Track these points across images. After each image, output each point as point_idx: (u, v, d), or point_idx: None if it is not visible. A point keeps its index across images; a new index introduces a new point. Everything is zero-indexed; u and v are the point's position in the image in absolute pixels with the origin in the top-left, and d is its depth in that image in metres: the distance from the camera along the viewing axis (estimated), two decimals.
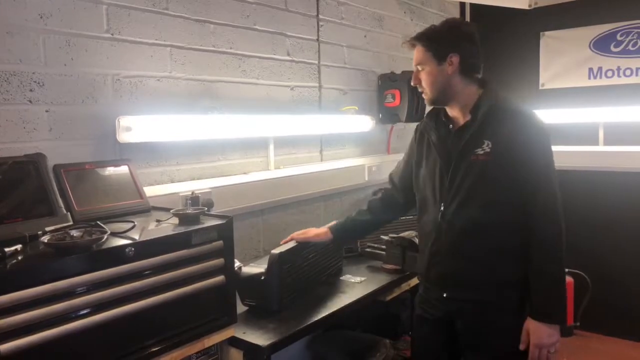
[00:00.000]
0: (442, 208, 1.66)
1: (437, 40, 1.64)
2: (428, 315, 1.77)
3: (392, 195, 1.96)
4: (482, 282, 1.64)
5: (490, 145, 1.59)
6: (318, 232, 1.96)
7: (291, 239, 1.95)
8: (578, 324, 3.51)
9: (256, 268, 1.79)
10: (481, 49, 1.68)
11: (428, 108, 1.83)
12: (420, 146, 1.82)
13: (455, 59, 1.63)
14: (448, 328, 1.72)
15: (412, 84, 1.73)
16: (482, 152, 1.60)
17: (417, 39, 1.68)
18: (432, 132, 1.75)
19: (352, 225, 1.97)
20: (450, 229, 1.65)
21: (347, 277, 2.16)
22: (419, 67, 1.68)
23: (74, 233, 1.23)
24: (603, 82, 3.46)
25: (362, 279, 2.14)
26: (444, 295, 1.70)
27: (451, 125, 1.72)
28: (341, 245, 2.02)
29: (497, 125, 1.60)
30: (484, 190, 1.61)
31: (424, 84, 1.68)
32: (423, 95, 1.72)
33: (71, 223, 1.37)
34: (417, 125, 1.89)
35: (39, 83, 1.60)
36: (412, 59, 1.71)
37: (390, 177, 1.99)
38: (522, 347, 1.61)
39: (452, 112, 1.71)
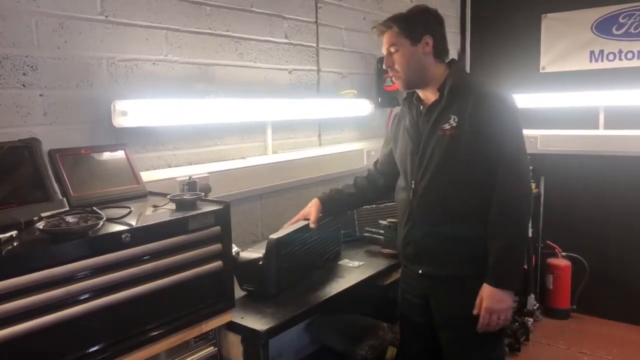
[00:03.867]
0: (412, 185, 1.73)
1: (412, 22, 1.69)
2: (409, 296, 1.85)
3: (374, 175, 2.05)
4: (454, 257, 1.69)
5: (456, 120, 1.64)
6: (310, 208, 1.96)
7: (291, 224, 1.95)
8: (575, 307, 3.54)
9: (254, 253, 1.79)
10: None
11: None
12: (396, 131, 1.89)
13: (429, 40, 1.69)
14: (427, 309, 1.77)
15: (384, 66, 1.74)
16: (448, 127, 1.65)
17: (392, 21, 1.70)
18: (406, 116, 1.82)
19: (338, 197, 2.01)
20: (421, 205, 1.71)
21: (345, 262, 2.16)
22: (392, 49, 1.71)
23: (70, 219, 1.22)
24: (604, 65, 3.42)
25: (360, 263, 2.15)
26: (420, 271, 1.77)
27: (422, 107, 1.77)
28: (328, 215, 2.04)
29: (462, 101, 1.65)
30: (451, 164, 1.66)
31: (397, 66, 1.72)
32: (395, 80, 1.76)
33: (67, 208, 1.36)
34: (396, 114, 1.97)
35: (32, 67, 1.58)
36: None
37: (377, 159, 2.09)
38: (475, 311, 1.63)
39: (425, 94, 1.76)
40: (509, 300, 1.61)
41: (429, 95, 1.75)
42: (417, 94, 1.80)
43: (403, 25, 1.68)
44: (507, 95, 1.68)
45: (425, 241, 1.72)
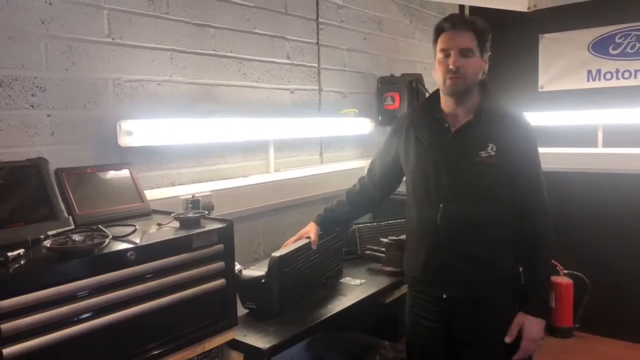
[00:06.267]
0: (440, 208, 1.66)
1: (487, 36, 1.67)
2: (424, 320, 1.77)
3: (368, 189, 1.97)
4: (482, 279, 1.67)
5: (494, 149, 1.62)
6: (308, 228, 1.99)
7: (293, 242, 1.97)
8: (577, 325, 3.51)
9: (256, 271, 1.80)
10: None
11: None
12: (407, 142, 1.78)
13: (487, 59, 1.69)
14: (444, 331, 1.73)
15: (453, 65, 1.59)
16: (486, 154, 1.62)
17: (473, 27, 1.64)
18: (423, 129, 1.72)
19: (333, 217, 2.02)
20: (450, 228, 1.66)
21: (347, 280, 2.17)
22: (468, 53, 1.61)
23: (76, 237, 1.24)
24: (602, 84, 3.47)
25: (362, 281, 2.15)
26: (444, 296, 1.71)
27: (447, 124, 1.69)
28: (327, 235, 2.07)
29: (500, 129, 1.64)
30: (487, 191, 1.64)
31: (468, 70, 1.61)
32: (454, 81, 1.61)
33: (73, 227, 1.39)
34: (400, 119, 1.88)
35: (40, 88, 1.61)
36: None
37: (371, 168, 1.97)
38: (509, 339, 1.64)
39: (455, 109, 1.68)
40: (543, 327, 1.65)
41: (459, 113, 1.67)
42: (437, 106, 1.72)
43: (481, 36, 1.65)
44: (531, 123, 1.70)
45: (453, 266, 1.67)
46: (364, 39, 3.03)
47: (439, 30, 1.66)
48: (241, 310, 1.72)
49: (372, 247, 2.39)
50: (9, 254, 1.13)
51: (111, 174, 1.67)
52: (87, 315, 1.17)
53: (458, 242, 1.66)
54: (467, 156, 1.63)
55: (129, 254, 1.25)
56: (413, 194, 1.77)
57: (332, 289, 2.06)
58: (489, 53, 1.70)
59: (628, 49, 3.37)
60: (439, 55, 1.65)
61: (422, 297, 1.78)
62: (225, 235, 1.50)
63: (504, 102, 1.73)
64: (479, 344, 1.69)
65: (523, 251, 1.66)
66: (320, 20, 2.69)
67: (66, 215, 1.42)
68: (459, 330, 1.71)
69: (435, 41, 1.67)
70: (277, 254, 1.80)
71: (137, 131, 1.78)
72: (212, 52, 2.14)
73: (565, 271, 3.52)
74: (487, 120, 1.64)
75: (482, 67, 1.67)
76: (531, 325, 1.62)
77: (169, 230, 1.46)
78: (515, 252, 1.68)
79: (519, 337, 1.65)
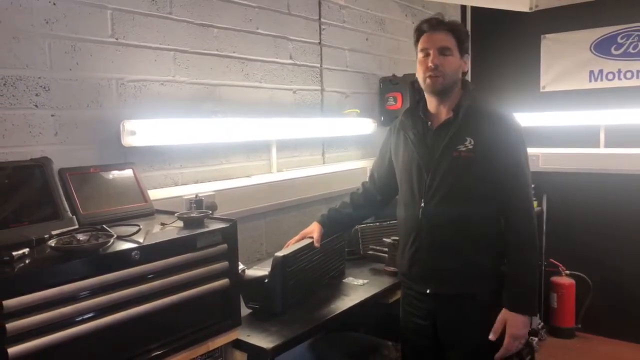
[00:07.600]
0: (422, 204, 1.70)
1: (465, 37, 1.72)
2: (414, 317, 1.80)
3: (370, 192, 2.02)
4: (464, 276, 1.68)
5: (472, 142, 1.64)
6: (311, 228, 2.00)
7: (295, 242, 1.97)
8: (580, 326, 3.51)
9: (260, 271, 1.80)
10: None
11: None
12: (397, 144, 1.85)
13: (467, 59, 1.74)
14: (433, 330, 1.75)
15: (432, 62, 1.65)
16: (464, 148, 1.65)
17: (451, 28, 1.69)
18: (410, 130, 1.78)
19: (336, 217, 2.03)
20: (432, 224, 1.69)
21: (350, 280, 2.17)
22: (447, 52, 1.67)
23: (80, 237, 1.24)
24: (604, 84, 3.47)
25: (365, 281, 2.15)
26: (427, 291, 1.74)
27: (429, 123, 1.75)
28: (330, 235, 2.07)
29: (478, 124, 1.66)
30: (466, 185, 1.66)
31: (446, 68, 1.66)
32: (433, 79, 1.66)
33: (77, 226, 1.38)
34: (392, 124, 1.95)
35: (44, 88, 1.62)
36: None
37: (372, 173, 2.05)
38: (493, 337, 1.64)
39: (438, 108, 1.74)
40: (528, 324, 1.65)
41: (441, 111, 1.73)
42: (423, 107, 1.78)
43: (458, 36, 1.69)
44: (518, 121, 1.71)
45: (435, 261, 1.70)
46: (366, 39, 3.03)
47: (419, 32, 1.73)
48: (244, 310, 1.73)
49: (374, 247, 2.40)
50: (14, 253, 1.13)
51: (114, 174, 1.68)
52: (91, 314, 1.17)
53: (439, 237, 1.69)
54: (445, 152, 1.67)
55: (133, 253, 1.25)
56: (401, 192, 1.83)
57: (335, 289, 2.06)
58: (468, 55, 1.75)
59: (630, 49, 3.37)
60: (420, 55, 1.72)
61: (411, 294, 1.82)
62: (229, 235, 1.50)
63: (487, 101, 1.77)
64: (463, 344, 1.71)
65: (506, 250, 1.65)
66: (322, 20, 2.69)
67: (70, 214, 1.42)
68: (444, 330, 1.73)
69: (416, 43, 1.74)
70: (280, 253, 1.80)
71: (141, 131, 1.78)
72: (215, 52, 2.14)
73: (568, 271, 3.53)
74: (466, 116, 1.67)
75: (461, 66, 1.72)
76: (513, 322, 1.62)
77: (173, 229, 1.46)
78: (501, 252, 1.68)
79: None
